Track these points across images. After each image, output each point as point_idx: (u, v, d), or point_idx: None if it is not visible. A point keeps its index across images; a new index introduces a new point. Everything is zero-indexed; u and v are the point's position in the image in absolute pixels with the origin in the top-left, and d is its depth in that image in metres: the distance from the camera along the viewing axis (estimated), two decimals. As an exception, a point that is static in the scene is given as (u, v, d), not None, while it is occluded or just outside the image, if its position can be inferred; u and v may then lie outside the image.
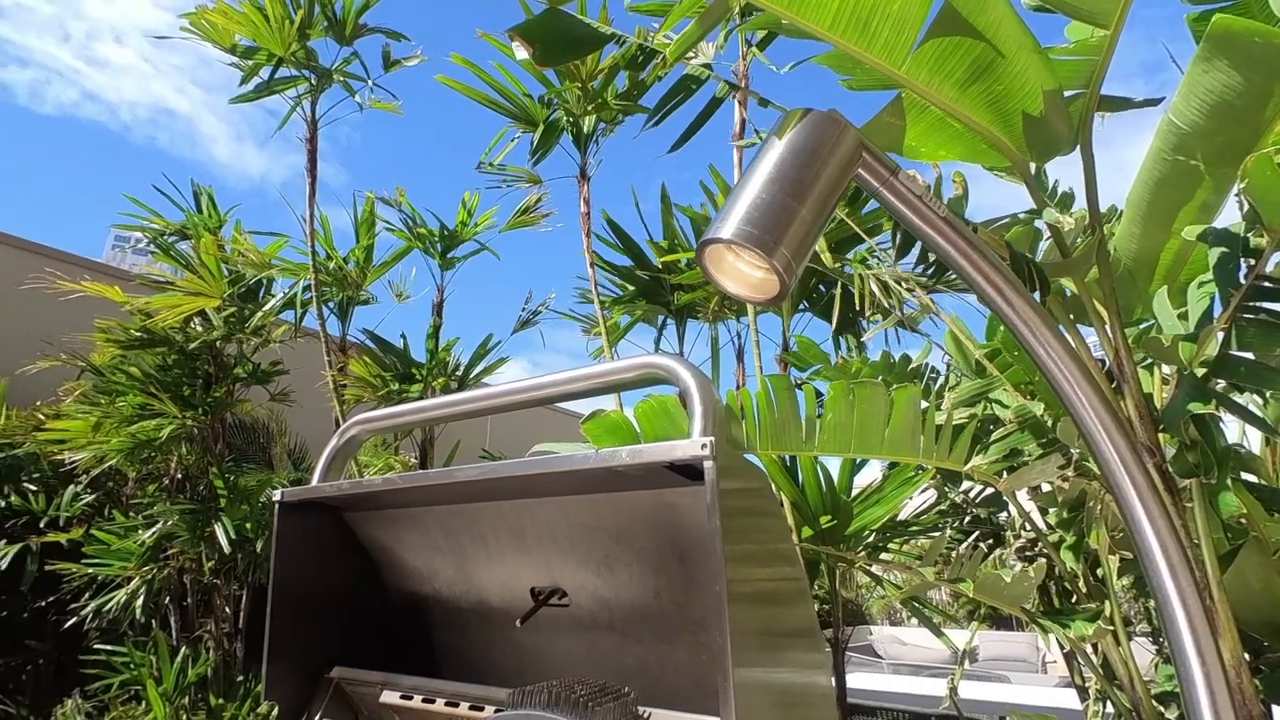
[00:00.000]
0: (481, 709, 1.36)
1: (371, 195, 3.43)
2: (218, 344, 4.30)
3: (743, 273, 0.74)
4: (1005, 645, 8.56)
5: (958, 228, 0.73)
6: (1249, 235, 1.05)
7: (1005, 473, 1.28)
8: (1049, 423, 1.13)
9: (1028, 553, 1.75)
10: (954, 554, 1.93)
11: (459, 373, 3.59)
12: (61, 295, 4.46)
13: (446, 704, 1.42)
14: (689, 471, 1.08)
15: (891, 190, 0.74)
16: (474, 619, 1.62)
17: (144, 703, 4.71)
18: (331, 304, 3.52)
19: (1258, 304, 1.01)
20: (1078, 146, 1.02)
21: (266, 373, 4.72)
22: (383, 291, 3.65)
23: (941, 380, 1.86)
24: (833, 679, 1.14)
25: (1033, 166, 1.05)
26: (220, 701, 4.28)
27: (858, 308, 2.21)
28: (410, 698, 1.48)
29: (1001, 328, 1.83)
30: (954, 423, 1.30)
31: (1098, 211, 0.98)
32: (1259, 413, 1.15)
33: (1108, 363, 1.13)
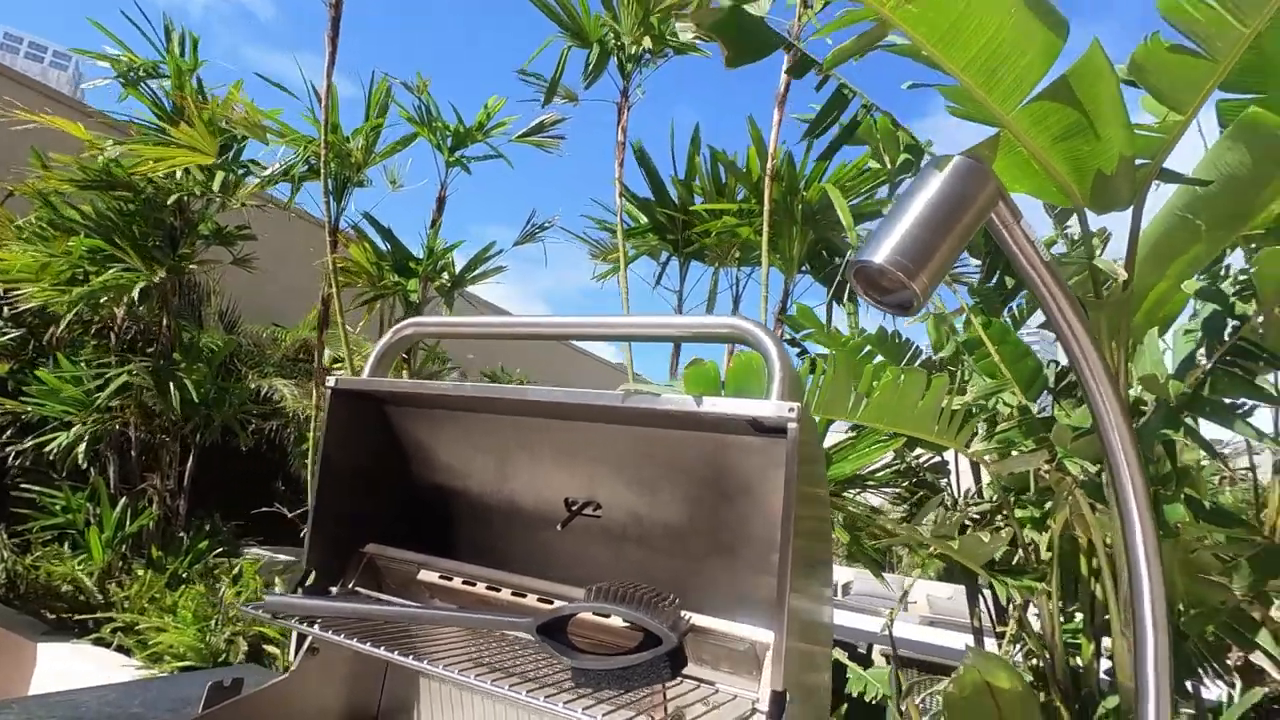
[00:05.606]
0: (524, 596, 1.54)
1: (387, 76, 3.31)
2: (185, 199, 4.09)
3: (883, 285, 0.91)
4: (876, 583, 9.52)
5: (1056, 275, 0.91)
6: (1234, 300, 1.29)
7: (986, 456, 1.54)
8: (1036, 423, 1.38)
9: (972, 518, 2.06)
10: (901, 511, 2.21)
11: (447, 273, 3.61)
12: (16, 125, 4.12)
13: (487, 588, 1.60)
14: (760, 425, 1.25)
15: (1013, 235, 0.90)
16: (504, 519, 1.75)
17: (69, 544, 4.72)
18: (330, 182, 3.42)
19: (1235, 359, 1.26)
20: (1131, 207, 1.21)
21: (233, 235, 4.56)
22: (378, 178, 3.57)
23: (928, 358, 2.10)
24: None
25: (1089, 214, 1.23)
26: (161, 554, 4.34)
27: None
28: (450, 579, 1.65)
29: (979, 320, 2.07)
30: (953, 408, 1.52)
31: (1132, 264, 1.18)
32: (1208, 440, 1.43)
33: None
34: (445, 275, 3.55)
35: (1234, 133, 1.36)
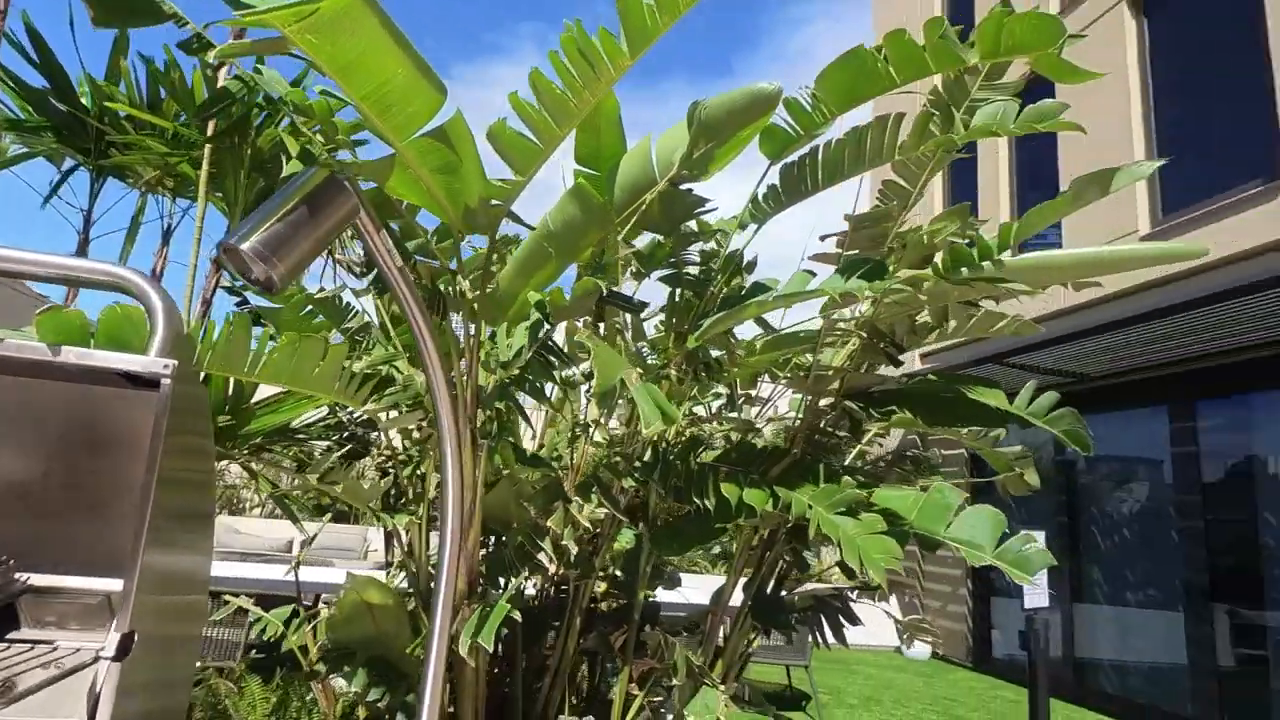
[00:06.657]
0: None
1: None
2: None
3: (250, 266, 1.06)
4: (338, 536, 9.78)
5: (404, 272, 1.20)
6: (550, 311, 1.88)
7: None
8: (421, 390, 1.72)
9: (385, 466, 2.38)
10: (329, 460, 2.42)
11: None
12: None
13: None
14: (134, 379, 1.25)
15: (373, 241, 1.15)
16: None
17: None
18: None
19: (544, 353, 1.83)
20: (490, 234, 1.62)
21: None
22: None
23: (368, 322, 2.33)
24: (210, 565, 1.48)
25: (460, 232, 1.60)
26: None
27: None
28: None
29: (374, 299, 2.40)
30: (363, 373, 1.77)
31: (488, 278, 1.59)
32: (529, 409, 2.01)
33: (467, 360, 1.79)
34: None
35: (571, 193, 1.93)
